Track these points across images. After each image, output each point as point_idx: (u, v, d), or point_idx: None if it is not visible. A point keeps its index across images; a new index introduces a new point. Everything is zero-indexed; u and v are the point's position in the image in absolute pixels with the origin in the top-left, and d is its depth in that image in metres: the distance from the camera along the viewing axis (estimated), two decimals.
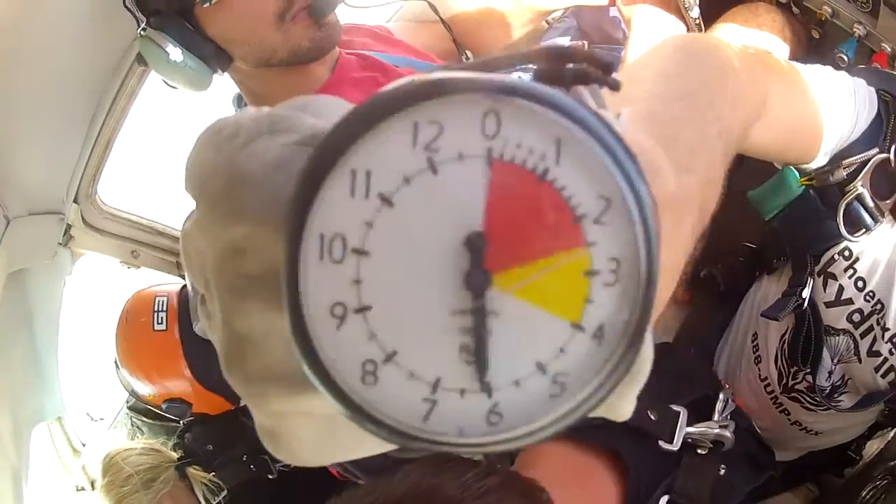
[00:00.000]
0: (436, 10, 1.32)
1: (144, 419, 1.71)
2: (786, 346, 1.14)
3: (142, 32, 1.01)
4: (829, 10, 1.36)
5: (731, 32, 1.42)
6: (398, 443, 0.29)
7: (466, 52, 1.40)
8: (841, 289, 1.04)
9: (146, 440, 1.60)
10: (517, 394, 0.29)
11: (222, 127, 0.31)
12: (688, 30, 1.30)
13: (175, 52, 0.99)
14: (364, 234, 0.27)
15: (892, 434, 1.42)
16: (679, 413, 0.89)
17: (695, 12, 1.27)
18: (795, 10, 1.42)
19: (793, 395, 1.17)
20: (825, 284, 1.05)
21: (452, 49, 1.38)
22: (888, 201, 0.95)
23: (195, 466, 1.54)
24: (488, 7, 1.44)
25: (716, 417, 0.94)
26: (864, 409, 1.09)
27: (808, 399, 1.15)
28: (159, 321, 1.42)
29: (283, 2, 0.99)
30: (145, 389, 1.48)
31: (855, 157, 0.94)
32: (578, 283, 0.29)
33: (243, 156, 0.30)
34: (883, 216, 0.96)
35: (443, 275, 0.28)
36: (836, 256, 1.03)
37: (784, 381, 1.17)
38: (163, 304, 1.44)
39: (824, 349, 1.09)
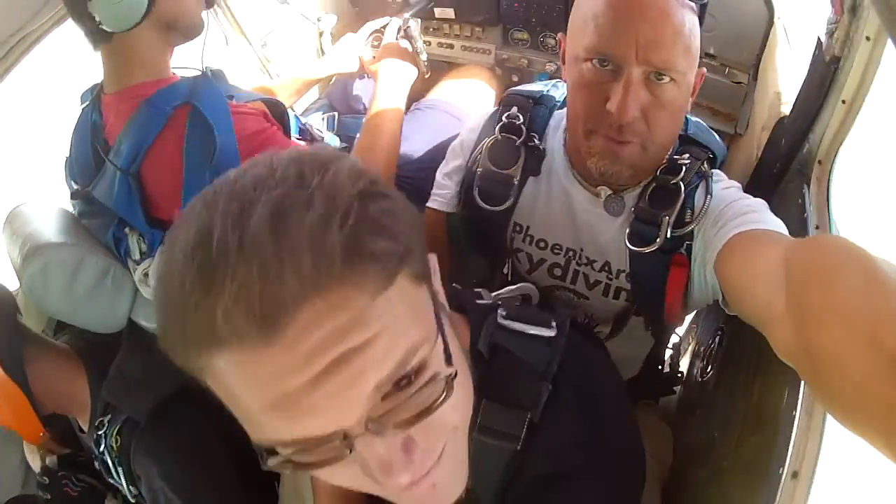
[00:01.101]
0: None
1: None
2: None
3: None
4: (526, 62, 1.85)
5: (451, 85, 1.85)
6: None
7: None
8: (529, 256, 1.18)
9: None
10: None
11: None
12: (419, 72, 1.64)
13: None
14: None
15: (693, 342, 1.55)
16: (480, 290, 0.92)
17: (424, 56, 1.62)
18: (498, 70, 1.90)
19: None
20: (518, 259, 1.20)
21: None
22: (514, 166, 1.12)
23: None
24: (262, 84, 1.73)
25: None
26: (622, 330, 1.17)
27: None
28: None
29: None
30: None
31: (474, 154, 1.17)
32: None
33: None
34: (514, 179, 1.11)
35: None
36: (512, 234, 1.18)
37: None
38: None
39: (554, 304, 1.19)
